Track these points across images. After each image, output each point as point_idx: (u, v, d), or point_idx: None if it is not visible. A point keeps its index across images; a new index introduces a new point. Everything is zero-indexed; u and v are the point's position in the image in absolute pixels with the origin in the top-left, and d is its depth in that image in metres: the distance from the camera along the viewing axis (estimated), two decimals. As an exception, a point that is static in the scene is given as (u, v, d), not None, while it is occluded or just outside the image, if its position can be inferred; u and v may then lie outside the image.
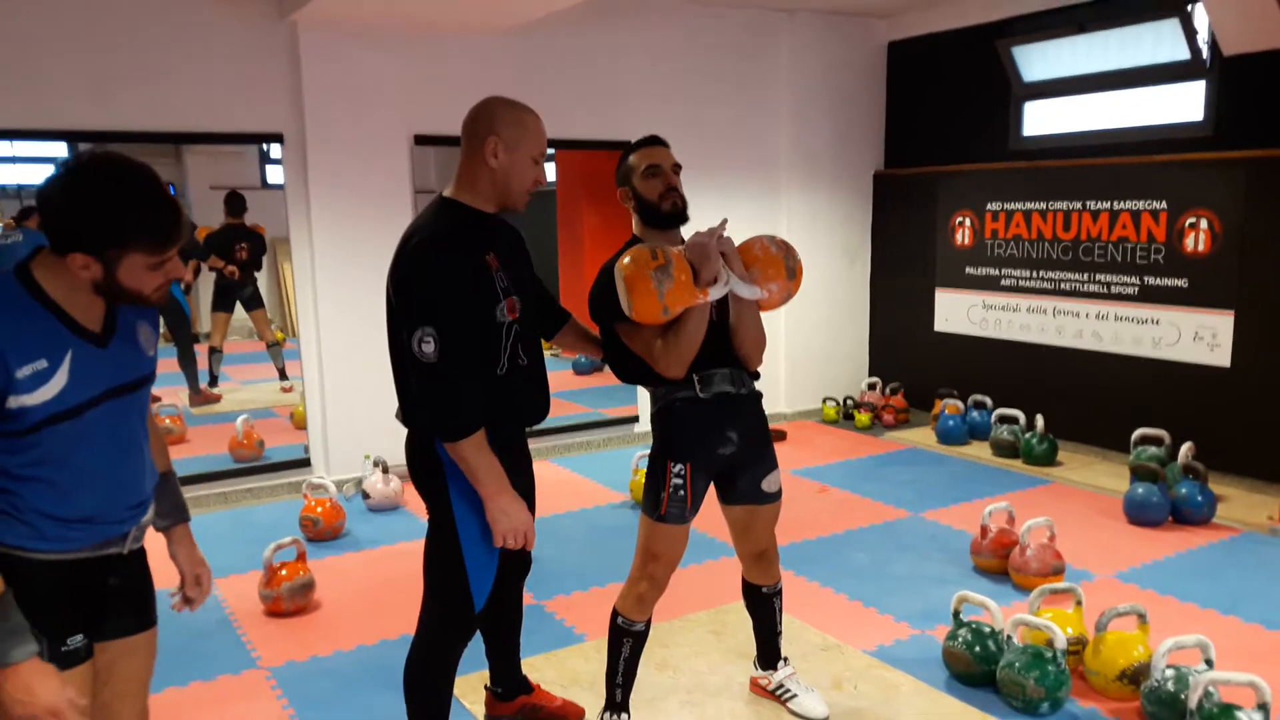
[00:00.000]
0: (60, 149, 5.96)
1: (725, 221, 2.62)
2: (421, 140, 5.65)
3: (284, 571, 3.88)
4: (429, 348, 2.19)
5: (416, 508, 5.27)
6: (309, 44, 5.25)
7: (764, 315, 2.74)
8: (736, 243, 2.66)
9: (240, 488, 5.47)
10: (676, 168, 2.69)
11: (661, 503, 2.66)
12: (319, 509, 4.72)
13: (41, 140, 5.00)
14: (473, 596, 2.41)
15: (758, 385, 2.80)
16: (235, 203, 7.10)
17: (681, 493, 2.65)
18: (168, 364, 6.46)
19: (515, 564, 2.64)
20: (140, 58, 4.94)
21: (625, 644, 2.76)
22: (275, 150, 5.75)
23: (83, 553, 1.80)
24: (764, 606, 3.02)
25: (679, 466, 2.65)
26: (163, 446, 2.04)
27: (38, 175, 7.21)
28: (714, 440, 2.68)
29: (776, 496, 2.85)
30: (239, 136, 5.35)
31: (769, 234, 2.73)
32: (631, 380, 2.75)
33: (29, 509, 1.71)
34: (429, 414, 2.25)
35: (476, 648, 3.53)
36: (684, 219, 2.71)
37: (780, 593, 3.02)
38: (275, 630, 3.76)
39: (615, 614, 2.78)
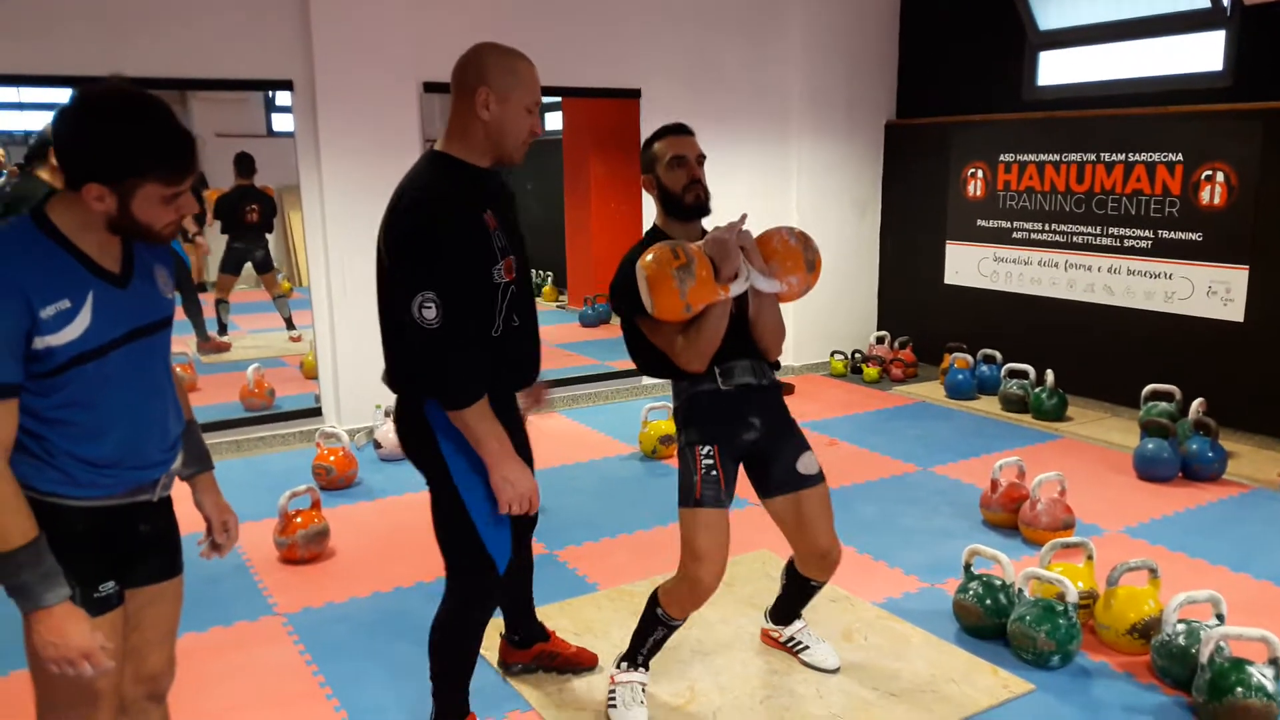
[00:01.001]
0: (65, 95, 5.91)
1: (745, 217, 2.60)
2: (431, 87, 5.58)
3: (299, 519, 3.91)
4: (430, 313, 2.11)
5: (427, 458, 5.29)
6: (317, -12, 5.17)
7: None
8: (755, 234, 2.65)
9: (252, 436, 5.49)
10: (701, 158, 2.67)
11: (695, 486, 2.63)
12: (332, 458, 4.75)
13: (48, 86, 4.95)
14: (494, 560, 2.38)
15: (777, 375, 2.80)
16: (245, 164, 7.02)
17: (714, 473, 2.63)
18: (175, 312, 6.46)
19: (523, 521, 2.63)
20: (148, 3, 4.87)
21: (659, 630, 2.76)
22: (281, 98, 5.69)
23: (115, 499, 1.81)
24: (805, 592, 2.99)
25: (707, 449, 2.64)
26: (185, 395, 2.03)
27: (44, 122, 7.14)
28: (737, 426, 2.68)
29: (819, 479, 2.77)
30: (248, 83, 5.29)
31: (787, 226, 2.71)
32: (653, 373, 2.75)
33: (61, 452, 1.72)
34: (431, 381, 2.19)
35: (490, 597, 3.57)
36: (706, 212, 2.70)
37: (823, 586, 2.97)
38: (291, 577, 3.80)
39: (656, 599, 2.75)
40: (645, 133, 6.17)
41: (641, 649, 2.80)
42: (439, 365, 2.15)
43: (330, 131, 5.34)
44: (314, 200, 5.43)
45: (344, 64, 5.32)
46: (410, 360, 2.22)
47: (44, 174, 4.04)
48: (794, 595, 3.04)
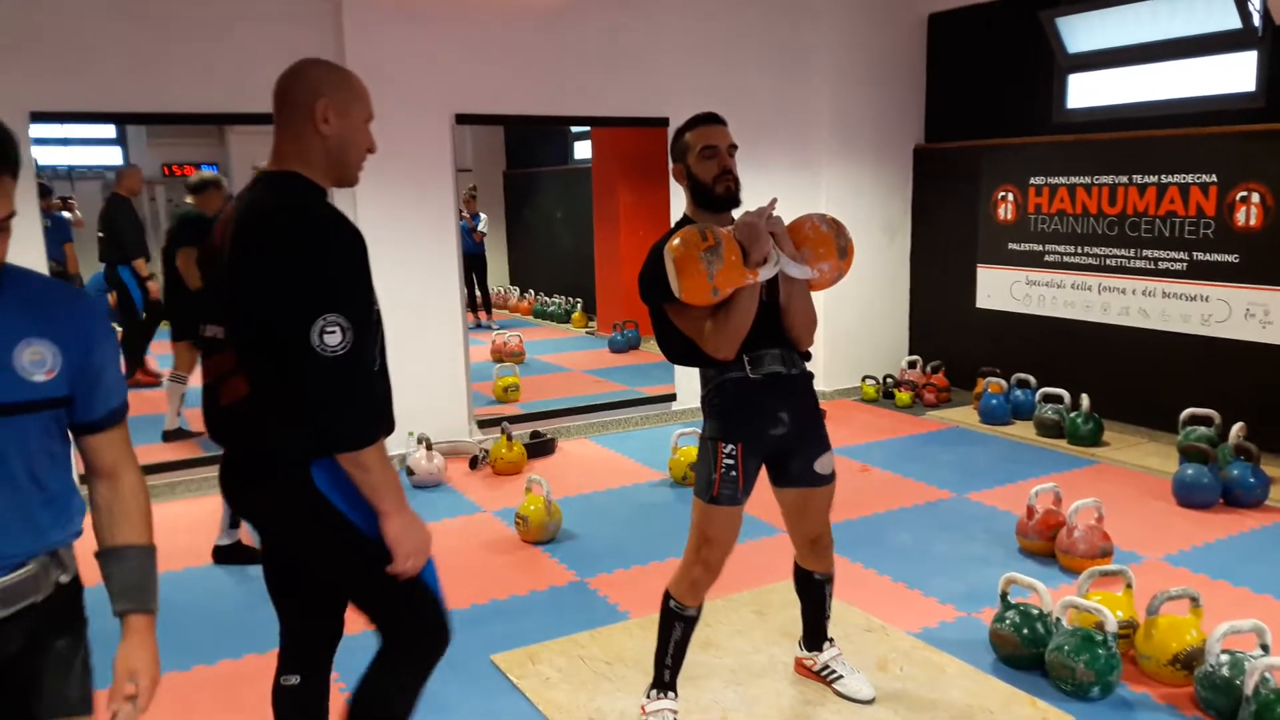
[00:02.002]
0: (109, 130, 6.05)
1: (775, 201, 2.60)
2: (463, 119, 5.66)
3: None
4: (335, 338, 1.83)
5: (460, 484, 5.32)
6: (352, 23, 5.26)
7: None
8: (786, 222, 2.64)
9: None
10: (732, 148, 2.66)
11: (713, 484, 2.65)
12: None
13: (90, 123, 5.07)
14: (443, 614, 2.14)
15: (808, 366, 2.78)
16: None
17: (733, 473, 2.64)
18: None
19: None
20: (186, 39, 4.98)
21: (677, 627, 2.76)
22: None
23: None
24: (815, 592, 3.01)
25: (730, 447, 2.64)
26: (136, 511, 1.69)
27: (86, 157, 7.32)
28: (765, 421, 2.67)
29: (830, 479, 2.81)
30: (282, 116, 5.37)
31: (819, 212, 2.70)
32: (681, 361, 2.73)
33: None
34: (333, 415, 1.86)
35: (524, 625, 3.57)
36: (737, 202, 2.69)
37: (832, 579, 3.00)
38: (323, 606, 3.81)
39: (668, 596, 2.78)
40: (674, 160, 6.22)
41: (665, 660, 2.79)
42: (344, 396, 1.86)
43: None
44: (347, 230, 5.50)
45: (377, 96, 5.31)
46: (300, 397, 1.87)
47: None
48: (808, 601, 3.03)
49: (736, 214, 2.71)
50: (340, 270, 1.88)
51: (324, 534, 1.99)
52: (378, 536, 1.96)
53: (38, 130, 4.85)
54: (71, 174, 7.46)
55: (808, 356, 2.77)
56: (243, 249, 1.90)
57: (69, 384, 1.57)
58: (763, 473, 2.80)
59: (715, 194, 2.64)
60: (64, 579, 1.64)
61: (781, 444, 2.72)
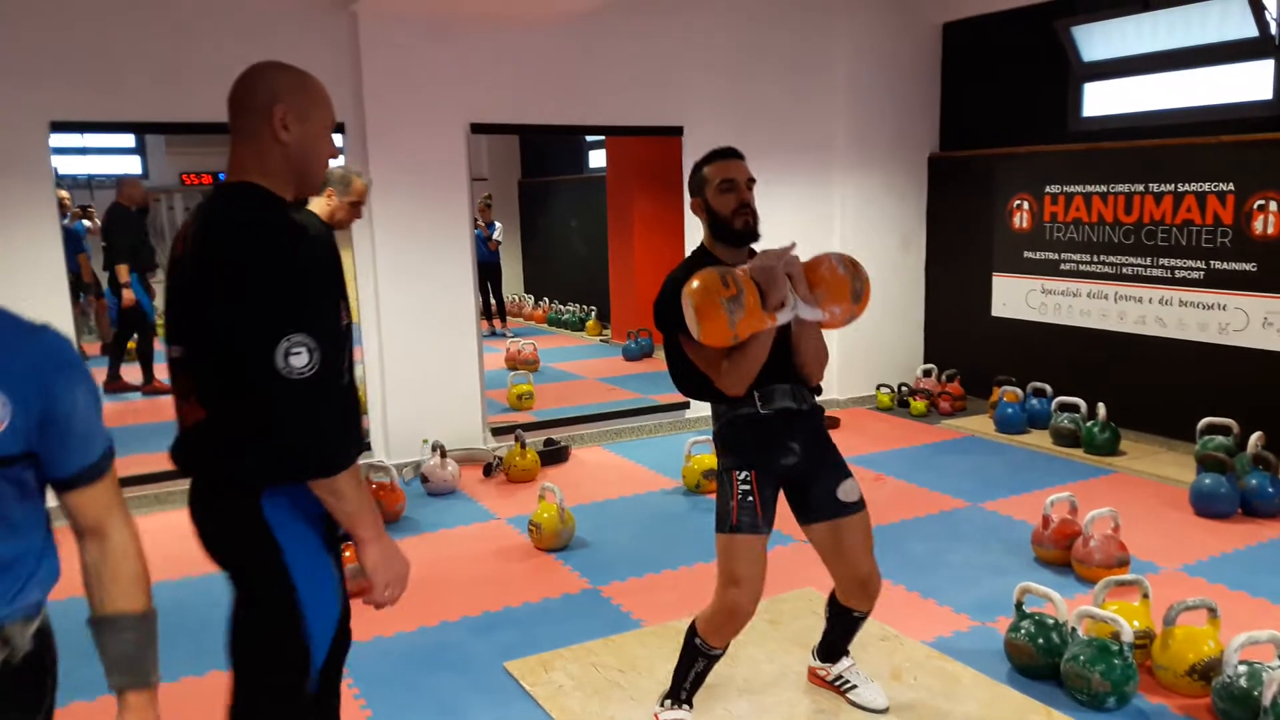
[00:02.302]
0: (128, 139, 6.10)
1: (794, 245, 2.57)
2: (478, 128, 5.69)
3: (347, 553, 3.94)
4: (301, 359, 1.70)
5: (474, 492, 5.33)
6: (368, 34, 5.30)
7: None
8: (805, 257, 2.62)
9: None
10: (751, 182, 2.66)
11: (731, 512, 2.62)
12: (379, 492, 4.79)
13: (109, 132, 5.12)
14: (312, 673, 1.93)
15: (819, 399, 2.78)
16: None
17: (750, 499, 2.61)
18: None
19: (343, 641, 2.10)
20: (206, 50, 5.03)
21: (699, 662, 2.74)
22: (336, 139, 5.82)
23: None
24: (849, 625, 2.96)
25: (744, 474, 2.63)
26: (128, 573, 1.52)
27: (107, 166, 7.38)
28: (776, 451, 2.66)
29: (859, 507, 2.73)
30: (299, 126, 5.42)
31: (837, 252, 2.67)
32: (694, 395, 2.73)
33: None
34: (304, 444, 1.75)
35: (537, 633, 3.57)
36: (755, 237, 2.67)
37: (867, 617, 2.95)
38: (338, 613, 3.83)
39: (694, 630, 2.73)
40: (688, 169, 6.22)
41: (684, 683, 2.79)
42: (314, 421, 1.74)
43: (380, 171, 5.45)
44: (364, 238, 5.54)
45: (393, 107, 5.44)
46: (264, 422, 1.74)
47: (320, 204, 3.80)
48: (838, 629, 3.00)
49: (756, 247, 2.70)
50: (305, 286, 1.76)
51: (251, 566, 1.87)
52: (306, 582, 1.84)
53: (58, 140, 4.91)
54: (91, 183, 7.52)
55: (818, 391, 2.76)
56: (200, 266, 1.78)
57: (25, 438, 1.36)
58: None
59: (734, 228, 2.64)
60: (11, 658, 1.41)
61: (795, 473, 2.70)
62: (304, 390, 1.72)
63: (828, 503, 2.71)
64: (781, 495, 2.74)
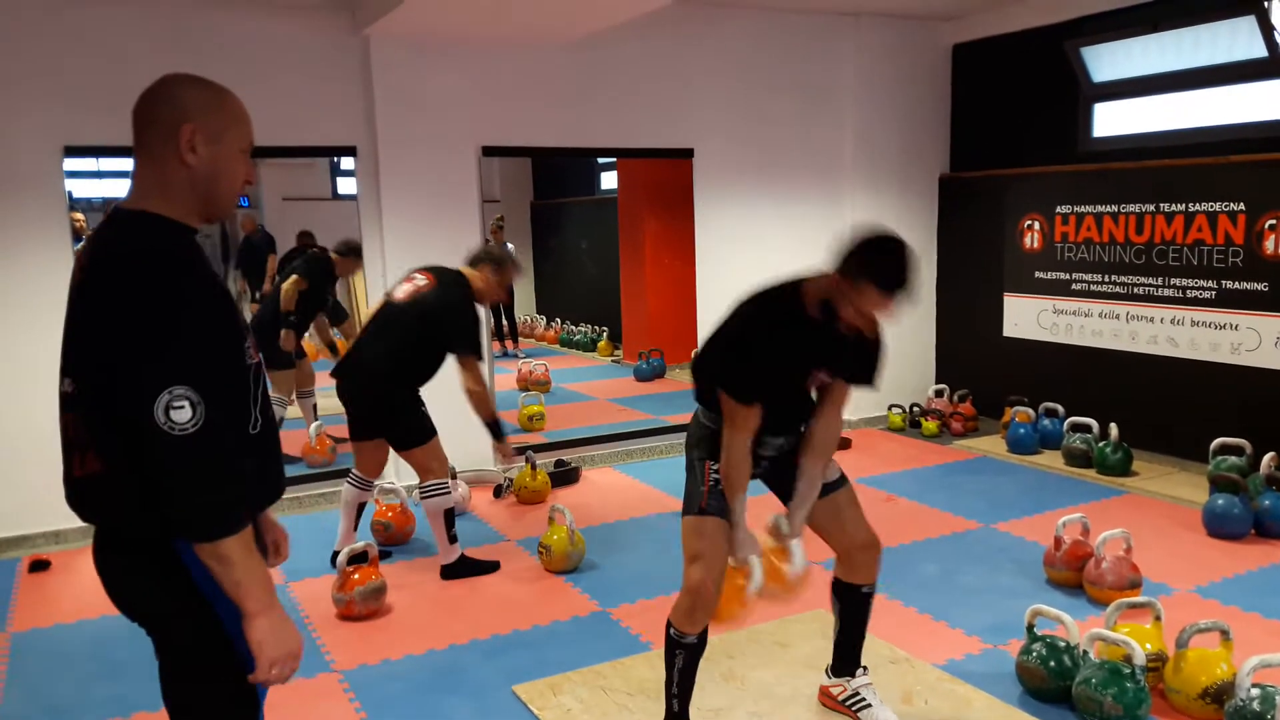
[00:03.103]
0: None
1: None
2: (489, 151, 5.73)
3: (356, 575, 3.95)
4: (183, 414, 1.55)
5: (484, 514, 5.33)
6: (380, 58, 5.36)
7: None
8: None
9: (314, 493, 5.58)
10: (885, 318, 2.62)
11: (702, 495, 2.69)
12: (390, 514, 4.80)
13: (123, 156, 5.15)
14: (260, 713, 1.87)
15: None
16: (306, 239, 7.21)
17: (721, 487, 2.68)
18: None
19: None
20: (221, 74, 5.04)
21: (678, 656, 2.76)
22: (346, 162, 5.88)
23: None
24: (859, 608, 2.97)
25: (717, 465, 2.70)
26: None
27: (120, 189, 7.49)
28: (754, 449, 2.73)
29: (840, 482, 2.85)
30: (314, 150, 5.50)
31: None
32: (704, 401, 2.80)
33: None
34: (180, 507, 1.59)
35: (545, 656, 3.56)
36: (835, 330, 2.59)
37: (874, 592, 2.98)
38: (348, 633, 3.84)
39: (669, 624, 2.78)
40: (697, 190, 6.26)
41: (672, 690, 2.79)
42: (194, 483, 1.59)
43: (392, 194, 5.50)
44: (376, 259, 5.58)
45: (405, 130, 5.49)
46: (147, 478, 1.61)
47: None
48: (851, 620, 2.99)
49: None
50: (190, 329, 1.60)
51: (169, 612, 1.74)
52: (237, 635, 1.69)
53: (72, 164, 4.97)
54: (105, 206, 7.61)
55: None
56: (82, 304, 1.65)
57: None
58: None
59: (837, 321, 2.54)
60: None
61: (773, 466, 2.80)
62: (185, 447, 1.56)
63: None
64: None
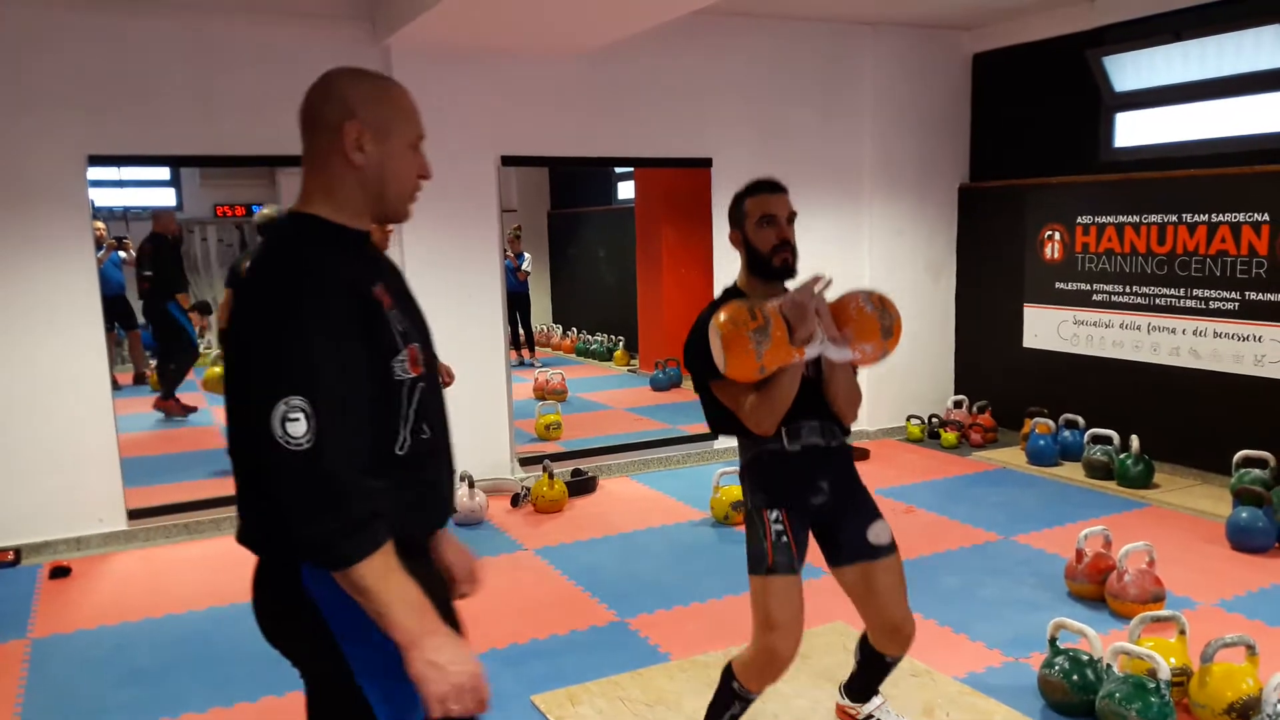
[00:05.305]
0: (163, 172, 6.22)
1: (822, 280, 2.50)
2: (509, 161, 5.75)
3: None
4: (298, 427, 1.45)
5: (501, 522, 5.33)
6: (402, 68, 5.38)
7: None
8: (836, 294, 2.57)
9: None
10: (792, 217, 2.60)
11: (766, 554, 2.56)
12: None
13: (146, 165, 5.22)
14: None
15: (848, 440, 2.72)
16: None
17: (784, 539, 2.56)
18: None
19: None
20: (240, 84, 5.13)
21: (735, 705, 2.68)
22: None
23: None
24: (881, 669, 2.90)
25: (775, 513, 2.57)
26: None
27: (143, 198, 7.55)
28: (805, 489, 2.60)
29: (889, 550, 2.65)
30: (332, 158, 5.50)
31: (865, 289, 2.60)
32: (722, 431, 2.68)
33: None
34: (300, 529, 1.47)
35: (564, 665, 3.55)
36: (793, 274, 2.62)
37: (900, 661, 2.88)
38: (365, 642, 3.83)
39: (731, 673, 2.67)
40: (716, 201, 6.25)
41: None
42: (311, 502, 1.47)
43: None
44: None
45: (425, 139, 5.50)
46: (269, 496, 1.49)
47: None
48: (869, 671, 2.94)
49: (790, 284, 2.65)
50: (315, 341, 1.49)
51: (305, 651, 1.64)
52: (370, 678, 1.58)
53: (95, 173, 5.01)
54: (127, 215, 7.66)
55: (848, 431, 2.69)
56: (237, 303, 1.58)
57: None
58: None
59: (771, 265, 2.58)
60: None
61: (824, 513, 2.64)
62: (301, 463, 1.45)
63: (858, 545, 2.64)
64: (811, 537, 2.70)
